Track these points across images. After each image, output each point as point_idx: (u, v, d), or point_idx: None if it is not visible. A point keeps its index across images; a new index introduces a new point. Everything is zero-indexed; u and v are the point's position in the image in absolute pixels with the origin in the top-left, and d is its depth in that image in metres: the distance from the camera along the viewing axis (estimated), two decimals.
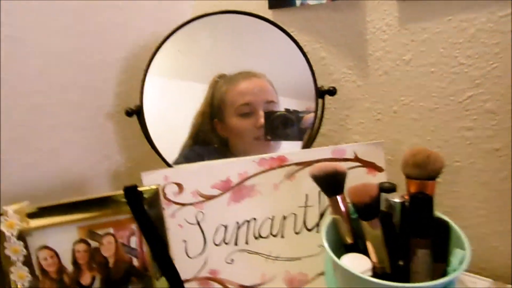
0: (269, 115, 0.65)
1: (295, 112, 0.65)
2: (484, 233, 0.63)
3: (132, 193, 0.44)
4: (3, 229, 0.44)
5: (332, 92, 0.63)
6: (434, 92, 0.60)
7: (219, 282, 0.61)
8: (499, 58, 0.53)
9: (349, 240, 0.52)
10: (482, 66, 0.55)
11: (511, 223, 0.60)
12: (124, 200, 0.45)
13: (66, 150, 0.66)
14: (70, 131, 0.66)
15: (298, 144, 0.67)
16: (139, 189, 0.45)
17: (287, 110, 0.65)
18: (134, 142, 0.73)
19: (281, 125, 0.65)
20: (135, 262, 0.47)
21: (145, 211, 0.45)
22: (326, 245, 0.49)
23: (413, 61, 0.60)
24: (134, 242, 0.47)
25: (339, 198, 0.51)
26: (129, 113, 0.63)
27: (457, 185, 0.63)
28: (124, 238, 0.46)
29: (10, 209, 0.44)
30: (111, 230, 0.46)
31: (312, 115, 0.66)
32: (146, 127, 0.63)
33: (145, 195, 0.46)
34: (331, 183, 0.52)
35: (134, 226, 0.46)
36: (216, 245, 0.60)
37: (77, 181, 0.68)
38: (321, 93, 0.63)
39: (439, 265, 0.48)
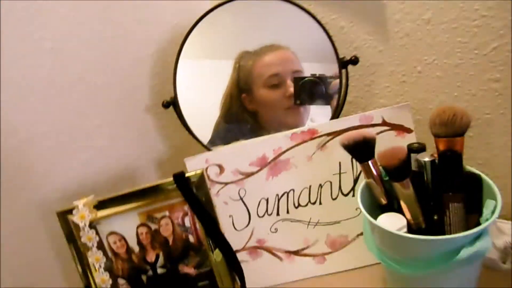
0: (298, 80, 0.66)
1: (323, 77, 0.66)
2: None
3: (181, 179, 0.50)
4: (76, 221, 0.51)
5: (354, 61, 0.64)
6: (457, 48, 0.60)
7: (266, 249, 0.66)
8: None
9: (383, 201, 0.55)
10: (504, 16, 0.55)
11: None
12: (174, 186, 0.51)
13: (114, 146, 0.72)
14: (114, 128, 0.72)
15: (326, 108, 0.68)
16: (187, 175, 0.50)
17: (313, 75, 0.67)
18: (173, 131, 0.78)
19: (310, 90, 0.67)
20: (191, 238, 0.53)
21: (194, 193, 0.50)
22: (361, 207, 0.52)
23: (433, 19, 0.60)
24: (188, 221, 0.52)
25: (370, 163, 0.54)
26: (165, 105, 0.67)
27: (489, 137, 0.64)
28: (179, 219, 0.52)
29: (79, 203, 0.51)
30: (167, 213, 0.52)
31: (339, 80, 0.67)
32: (182, 116, 0.68)
33: (192, 179, 0.51)
34: (361, 150, 0.54)
35: (186, 208, 0.52)
36: (260, 217, 0.65)
37: (128, 172, 0.75)
38: (343, 63, 0.64)
39: (473, 216, 0.50)
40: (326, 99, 0.67)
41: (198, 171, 0.51)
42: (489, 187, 0.50)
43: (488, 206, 0.47)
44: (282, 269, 0.66)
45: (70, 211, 0.51)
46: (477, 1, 0.56)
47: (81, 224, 0.50)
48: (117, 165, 0.73)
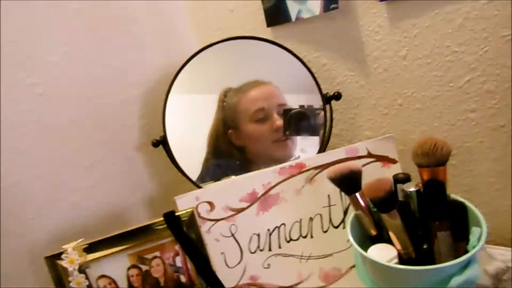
0: (287, 112, 0.68)
1: (311, 108, 0.69)
2: (504, 205, 0.66)
3: (171, 218, 0.50)
4: (66, 265, 0.50)
5: (337, 97, 0.67)
6: (433, 81, 0.63)
7: (260, 286, 0.65)
8: (488, 41, 0.57)
9: (373, 232, 0.55)
10: (474, 51, 0.58)
11: None
12: (164, 225, 0.51)
13: (103, 187, 0.72)
14: (103, 168, 0.73)
15: (315, 139, 0.70)
16: (177, 213, 0.51)
17: (301, 106, 0.69)
18: (162, 169, 0.79)
19: (298, 121, 0.68)
20: (183, 278, 0.52)
21: (184, 232, 0.50)
22: (352, 239, 0.52)
23: (409, 55, 0.64)
24: (179, 261, 0.52)
25: (357, 195, 0.55)
26: (155, 144, 0.68)
27: (471, 164, 0.66)
28: (170, 259, 0.52)
29: (69, 247, 0.50)
30: (158, 254, 0.52)
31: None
32: (172, 154, 0.69)
33: (183, 218, 0.51)
34: (348, 182, 0.55)
35: (177, 247, 0.51)
36: (252, 252, 0.65)
37: (118, 212, 0.75)
38: (327, 99, 0.67)
39: (461, 244, 0.51)
40: (314, 129, 0.69)
41: (189, 210, 0.52)
42: (474, 214, 0.51)
43: (474, 233, 0.48)
44: None
45: (58, 255, 0.50)
46: (448, 39, 0.59)
47: (70, 268, 0.50)
48: (107, 206, 0.73)
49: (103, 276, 0.51)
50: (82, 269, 0.51)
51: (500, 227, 0.67)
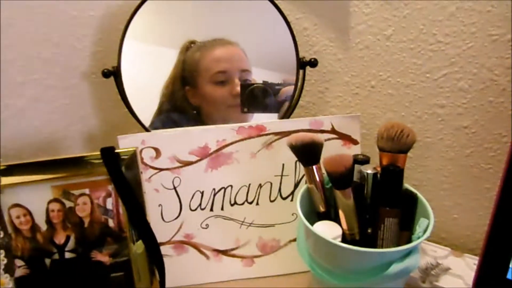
0: (245, 87, 0.64)
1: (272, 84, 0.65)
2: (446, 205, 0.67)
3: (109, 154, 0.44)
4: None
5: (313, 64, 0.63)
6: (411, 68, 0.62)
7: (194, 246, 0.62)
8: (474, 37, 0.55)
9: (322, 208, 0.54)
10: (458, 45, 0.57)
11: (472, 196, 0.64)
12: (100, 161, 0.45)
13: (37, 109, 0.64)
14: (41, 89, 0.64)
15: (274, 116, 0.67)
16: (117, 150, 0.45)
17: (264, 82, 0.65)
18: (109, 105, 0.71)
19: (258, 97, 0.64)
20: (111, 223, 0.47)
21: (122, 172, 0.45)
22: (299, 211, 0.50)
23: (393, 36, 0.61)
24: (110, 203, 0.46)
25: (314, 168, 0.53)
26: (106, 74, 0.61)
27: (426, 160, 0.66)
28: (99, 199, 0.46)
29: None
30: (87, 191, 0.46)
31: (289, 88, 0.65)
32: (123, 88, 0.61)
33: (123, 157, 0.45)
34: (307, 153, 0.53)
35: (110, 188, 0.46)
36: (192, 210, 0.61)
37: (48, 142, 0.67)
38: (302, 64, 0.63)
39: (405, 233, 0.51)
40: (274, 107, 0.65)
41: (131, 149, 0.46)
42: (424, 206, 0.50)
43: (421, 224, 0.47)
44: (207, 268, 0.63)
45: None
46: (436, 26, 0.57)
47: None
48: (40, 132, 0.65)
49: (17, 205, 0.45)
50: None
51: (437, 226, 0.68)
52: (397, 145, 0.50)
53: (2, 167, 0.44)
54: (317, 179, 0.53)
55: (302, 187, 0.56)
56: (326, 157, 0.50)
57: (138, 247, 0.47)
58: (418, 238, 0.46)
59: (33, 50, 0.61)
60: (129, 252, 0.47)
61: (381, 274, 0.44)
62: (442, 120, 0.62)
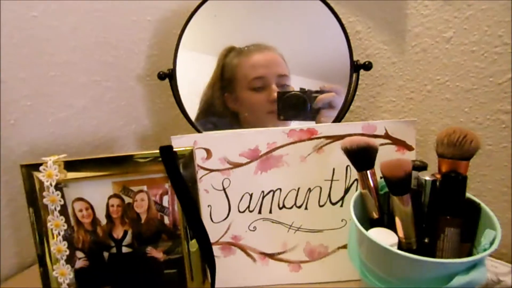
0: (282, 94, 0.64)
1: (309, 92, 0.64)
2: (508, 218, 0.63)
3: (168, 153, 0.45)
4: (43, 178, 0.45)
5: (367, 67, 0.61)
6: (472, 72, 0.59)
7: (241, 247, 0.62)
8: None
9: (375, 215, 0.52)
10: None
11: None
12: (159, 159, 0.46)
13: (95, 109, 0.67)
14: (99, 90, 0.67)
15: (311, 124, 0.65)
16: (175, 149, 0.46)
17: (301, 89, 0.65)
18: (162, 107, 0.73)
19: (294, 105, 0.64)
20: (166, 220, 0.48)
21: (179, 170, 0.46)
22: (353, 215, 0.49)
23: (454, 39, 0.59)
24: (166, 201, 0.47)
25: (369, 172, 0.51)
26: (161, 76, 0.63)
27: (487, 169, 0.62)
28: (156, 196, 0.47)
29: (50, 159, 0.45)
30: (145, 188, 0.47)
31: (326, 95, 0.65)
32: (178, 91, 0.63)
33: (180, 155, 0.46)
34: (362, 157, 0.52)
35: (167, 185, 0.47)
36: (240, 212, 0.62)
37: (105, 141, 0.69)
38: (356, 67, 0.62)
39: (466, 245, 0.48)
40: (310, 114, 0.65)
41: (188, 148, 0.47)
42: (488, 217, 0.47)
43: (487, 236, 0.45)
44: (253, 271, 0.62)
45: (36, 167, 0.45)
46: (503, 27, 0.54)
47: (46, 183, 0.45)
48: (96, 131, 0.68)
49: (80, 199, 0.47)
50: (59, 187, 0.46)
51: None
52: (459, 151, 0.48)
53: (67, 162, 0.46)
54: (371, 184, 0.52)
55: (355, 192, 0.54)
56: (384, 162, 0.48)
57: (192, 245, 0.47)
58: (484, 250, 0.43)
59: (94, 52, 0.64)
60: (182, 249, 0.48)
61: (441, 287, 0.42)
62: (506, 127, 0.59)
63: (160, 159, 0.45)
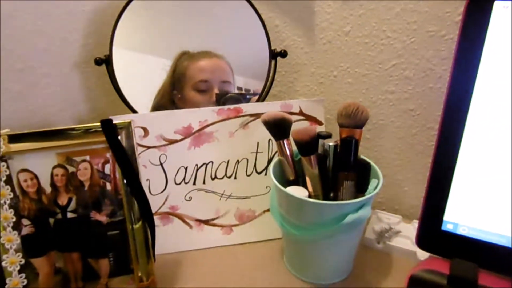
0: (220, 96, 0.73)
1: (244, 94, 0.74)
2: (398, 179, 0.77)
3: (108, 124, 0.51)
4: None
5: (283, 54, 0.72)
6: (366, 60, 0.72)
7: (178, 216, 0.69)
8: (416, 33, 0.66)
9: (291, 177, 0.62)
10: (403, 40, 0.67)
11: (418, 171, 0.75)
12: (99, 130, 0.51)
13: (32, 94, 0.69)
14: (37, 76, 0.69)
15: None
16: (114, 122, 0.52)
17: (238, 91, 0.74)
18: (98, 94, 0.77)
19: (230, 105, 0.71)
20: (108, 186, 0.53)
21: (119, 140, 0.52)
22: (273, 178, 0.59)
23: (351, 32, 0.71)
24: (108, 169, 0.53)
25: (285, 142, 0.61)
26: (98, 61, 0.67)
27: (380, 140, 0.76)
28: (99, 165, 0.53)
29: None
30: (87, 158, 0.52)
31: (256, 97, 0.75)
32: (114, 76, 0.68)
33: (119, 127, 0.52)
34: (279, 128, 0.61)
35: (108, 155, 0.53)
36: (177, 184, 0.68)
37: (41, 125, 0.71)
38: (274, 54, 0.72)
39: (359, 194, 0.60)
40: None
41: (126, 121, 0.53)
42: (375, 172, 0.60)
43: (372, 183, 0.57)
44: (190, 237, 0.69)
45: None
46: (385, 24, 0.68)
47: None
48: (32, 116, 0.70)
49: (25, 170, 0.51)
50: (4, 159, 0.50)
51: (391, 198, 0.79)
52: (353, 120, 0.59)
53: (11, 135, 0.50)
54: (287, 152, 0.62)
55: (275, 159, 0.64)
56: (294, 129, 0.59)
57: (134, 210, 0.54)
58: (370, 193, 0.55)
59: (29, 40, 0.67)
60: (124, 212, 0.54)
61: (339, 223, 0.53)
62: (392, 104, 0.73)
63: (101, 130, 0.51)
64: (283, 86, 0.81)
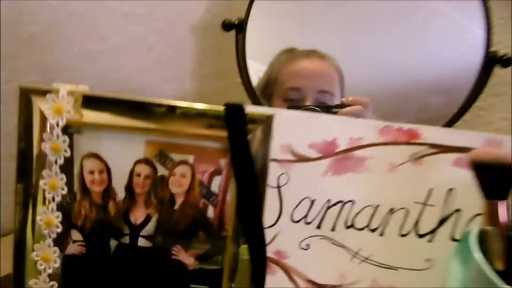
0: (294, 109, 0.56)
1: (329, 107, 0.58)
2: None
3: (237, 113, 0.30)
4: (47, 113, 0.30)
5: (507, 62, 0.47)
6: None
7: (284, 268, 0.48)
8: None
9: (499, 265, 0.38)
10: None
11: None
12: (220, 120, 0.31)
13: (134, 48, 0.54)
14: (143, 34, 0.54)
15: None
16: (247, 111, 0.31)
17: (321, 103, 0.58)
18: (208, 73, 0.60)
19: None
20: (211, 212, 0.33)
21: (248, 143, 0.30)
22: (480, 258, 0.34)
23: None
24: (217, 184, 0.33)
25: (501, 204, 0.37)
26: (227, 26, 0.50)
27: None
28: (205, 175, 0.33)
29: (63, 87, 0.30)
30: (191, 159, 0.33)
31: (348, 109, 0.56)
32: (244, 48, 0.50)
33: (253, 121, 0.31)
34: (498, 180, 0.37)
35: (223, 162, 0.32)
36: (294, 221, 0.48)
37: (136, 88, 0.56)
38: (492, 60, 0.47)
39: None
40: None
41: (268, 113, 0.32)
42: None
43: None
44: None
45: (43, 94, 0.31)
46: None
47: (51, 121, 0.30)
48: (130, 76, 0.54)
49: (95, 155, 0.32)
50: (69, 131, 0.31)
51: None
52: None
53: (87, 97, 0.31)
54: (504, 219, 0.38)
55: (474, 227, 0.40)
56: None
57: (242, 253, 0.32)
58: None
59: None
60: (224, 259, 0.33)
61: None
62: None
63: (224, 120, 0.30)
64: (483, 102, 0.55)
